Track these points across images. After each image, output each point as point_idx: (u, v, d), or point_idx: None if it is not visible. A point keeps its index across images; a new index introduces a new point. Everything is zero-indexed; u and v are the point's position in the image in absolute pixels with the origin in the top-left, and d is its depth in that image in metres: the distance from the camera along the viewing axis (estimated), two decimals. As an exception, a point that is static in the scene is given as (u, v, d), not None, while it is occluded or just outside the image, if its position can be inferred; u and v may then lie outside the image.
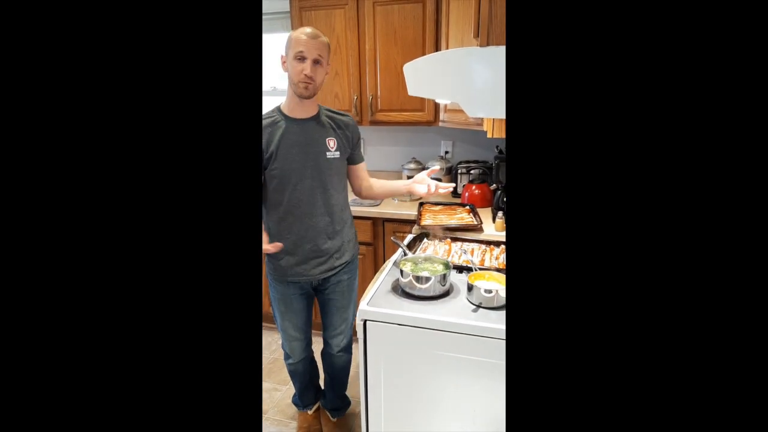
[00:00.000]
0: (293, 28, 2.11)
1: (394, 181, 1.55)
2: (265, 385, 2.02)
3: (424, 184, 1.38)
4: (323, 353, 1.62)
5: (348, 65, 2.09)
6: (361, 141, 1.47)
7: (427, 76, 0.92)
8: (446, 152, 2.37)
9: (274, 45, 2.40)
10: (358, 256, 2.08)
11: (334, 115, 1.39)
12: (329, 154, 1.34)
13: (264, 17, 2.36)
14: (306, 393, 1.68)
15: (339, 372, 1.62)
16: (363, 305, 1.13)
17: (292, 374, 1.63)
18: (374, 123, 2.16)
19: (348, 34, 2.05)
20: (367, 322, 1.11)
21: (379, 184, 1.52)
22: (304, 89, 1.25)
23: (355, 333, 2.16)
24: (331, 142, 1.35)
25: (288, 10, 2.15)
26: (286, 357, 1.58)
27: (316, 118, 1.34)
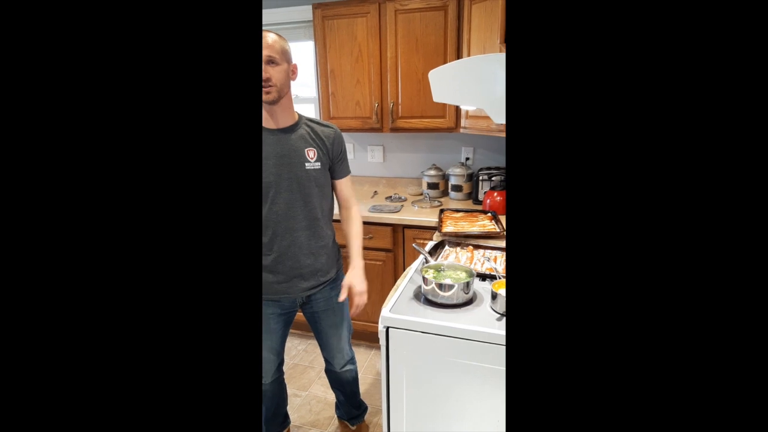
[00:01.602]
0: (315, 37, 2.14)
1: (354, 242, 1.41)
2: (285, 391, 2.02)
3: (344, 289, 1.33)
4: (327, 371, 1.58)
5: (369, 73, 2.11)
6: (347, 154, 1.38)
7: (453, 83, 0.92)
8: (467, 159, 2.36)
9: (296, 53, 2.44)
10: (377, 263, 2.09)
11: (316, 126, 1.31)
12: (308, 165, 1.26)
13: (287, 26, 2.40)
14: (272, 422, 1.58)
15: (348, 386, 1.59)
16: (385, 312, 1.12)
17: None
18: (395, 130, 2.16)
19: (370, 42, 2.07)
20: (390, 329, 1.11)
21: (347, 224, 1.41)
22: (265, 94, 1.16)
23: (376, 340, 2.16)
24: (311, 153, 1.27)
25: (311, 19, 2.18)
26: None
27: (293, 127, 1.26)
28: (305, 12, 2.28)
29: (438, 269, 1.24)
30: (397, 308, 1.14)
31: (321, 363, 2.18)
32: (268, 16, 2.41)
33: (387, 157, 2.53)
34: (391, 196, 2.36)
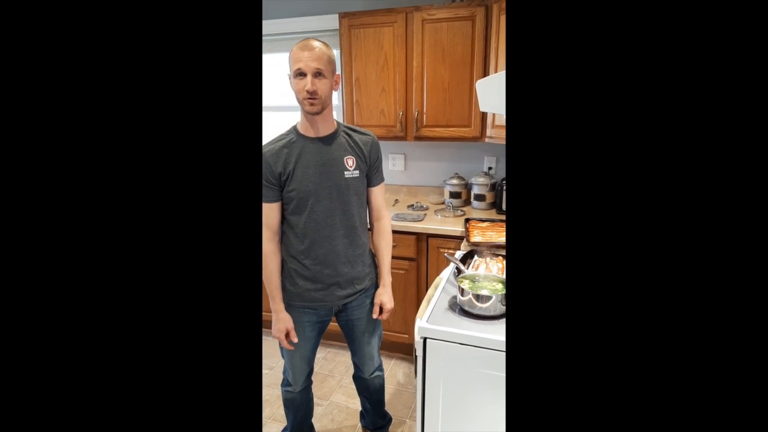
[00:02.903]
0: (341, 45, 2.16)
1: (384, 258, 1.42)
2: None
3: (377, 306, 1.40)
4: (355, 377, 1.57)
5: (395, 82, 2.11)
6: (382, 161, 1.40)
7: (500, 93, 0.91)
8: (490, 168, 2.35)
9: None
10: (399, 272, 2.08)
11: (354, 134, 1.31)
12: (347, 173, 1.26)
13: (313, 35, 2.41)
14: (299, 431, 1.58)
15: (375, 393, 1.59)
16: (422, 323, 1.11)
17: (288, 404, 1.51)
18: (419, 138, 2.16)
19: (396, 51, 2.07)
20: (427, 340, 1.10)
21: (378, 237, 1.41)
22: (310, 106, 1.17)
23: (395, 350, 2.13)
24: (350, 161, 1.27)
25: (337, 28, 2.20)
26: (285, 384, 1.49)
27: (333, 136, 1.27)
28: (332, 21, 2.30)
29: (473, 280, 1.23)
30: (434, 319, 1.13)
31: (341, 372, 2.17)
32: (295, 24, 2.44)
33: (408, 166, 2.53)
34: (413, 205, 2.35)
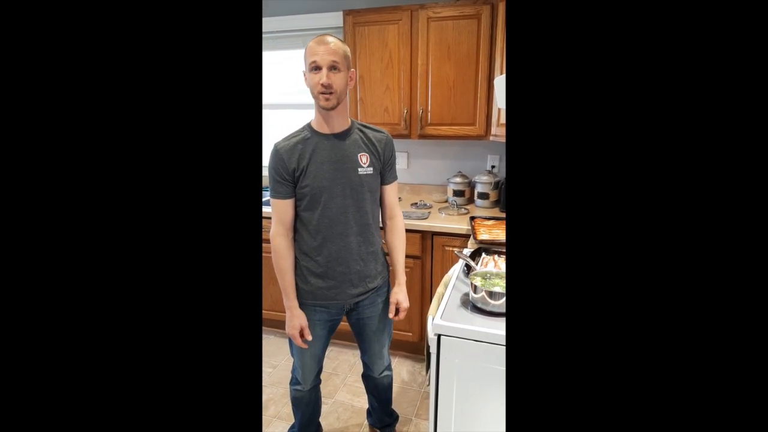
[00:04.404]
0: (346, 42, 2.15)
1: (399, 257, 1.40)
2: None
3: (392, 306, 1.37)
4: (364, 376, 1.57)
5: (399, 80, 2.11)
6: (396, 159, 1.39)
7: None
8: (493, 167, 2.36)
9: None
10: (406, 270, 2.07)
11: (368, 131, 1.31)
12: (361, 170, 1.26)
13: (317, 32, 2.40)
14: (306, 430, 1.58)
15: (383, 392, 1.58)
16: (437, 319, 1.11)
17: (297, 403, 1.51)
18: (423, 136, 2.16)
19: (401, 49, 2.07)
20: (441, 337, 1.10)
21: (392, 235, 1.40)
22: (325, 100, 1.16)
23: (399, 348, 2.13)
24: (364, 158, 1.27)
25: (341, 25, 2.19)
26: (295, 382, 1.48)
27: (347, 132, 1.26)
28: (336, 18, 2.29)
29: (485, 277, 1.23)
30: (447, 316, 1.13)
31: (345, 370, 2.17)
32: (299, 21, 2.43)
33: (411, 164, 2.53)
34: (416, 203, 2.35)
